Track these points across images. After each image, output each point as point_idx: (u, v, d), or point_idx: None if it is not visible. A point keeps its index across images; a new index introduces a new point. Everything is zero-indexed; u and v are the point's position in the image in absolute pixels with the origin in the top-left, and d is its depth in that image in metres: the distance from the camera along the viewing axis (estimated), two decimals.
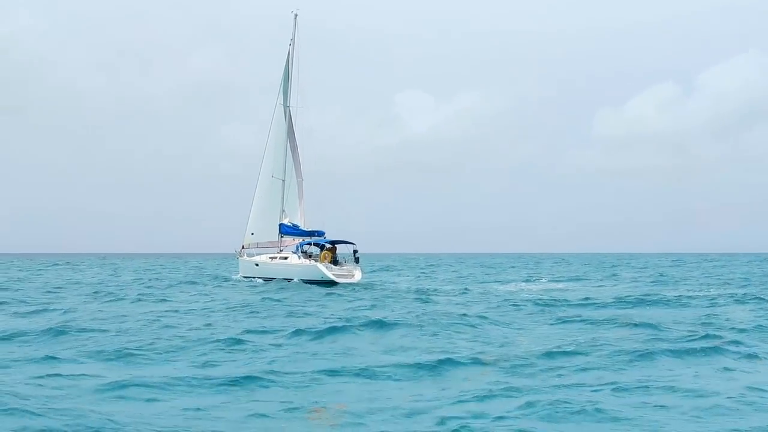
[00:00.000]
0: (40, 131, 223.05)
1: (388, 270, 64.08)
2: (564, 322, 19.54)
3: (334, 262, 39.55)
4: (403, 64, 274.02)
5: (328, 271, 37.92)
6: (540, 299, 27.35)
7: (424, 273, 58.71)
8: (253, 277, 40.95)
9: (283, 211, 42.87)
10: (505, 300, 27.50)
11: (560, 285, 39.97)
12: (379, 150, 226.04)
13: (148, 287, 35.99)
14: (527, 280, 45.48)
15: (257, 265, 41.71)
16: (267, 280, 39.61)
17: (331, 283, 36.93)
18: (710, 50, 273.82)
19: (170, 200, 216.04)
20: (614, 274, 54.44)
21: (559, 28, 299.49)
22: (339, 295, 30.12)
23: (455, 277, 49.89)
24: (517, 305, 24.56)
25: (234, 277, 43.94)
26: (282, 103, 43.13)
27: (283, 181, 42.87)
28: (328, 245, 40.19)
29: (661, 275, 50.85)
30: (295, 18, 43.01)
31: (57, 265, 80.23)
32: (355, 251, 40.13)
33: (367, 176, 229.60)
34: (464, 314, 20.59)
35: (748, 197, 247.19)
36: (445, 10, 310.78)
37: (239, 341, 15.20)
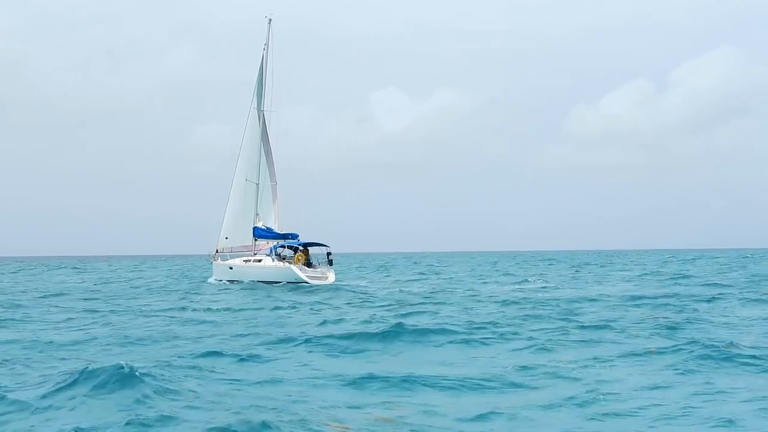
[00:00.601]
0: (15, 130, 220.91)
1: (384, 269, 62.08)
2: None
3: (308, 264, 39.93)
4: (379, 64, 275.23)
5: (302, 273, 38.25)
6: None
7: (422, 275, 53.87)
8: (228, 281, 41.09)
9: (257, 214, 43.09)
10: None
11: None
12: (356, 149, 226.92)
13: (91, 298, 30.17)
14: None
15: (231, 268, 41.87)
16: (241, 283, 39.77)
17: (304, 284, 37.30)
18: (683, 47, 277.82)
19: (144, 200, 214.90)
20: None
21: (533, 27, 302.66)
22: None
23: (446, 280, 48.26)
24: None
25: (209, 280, 44.01)
26: (256, 107, 43.40)
27: (257, 184, 43.11)
28: (301, 248, 40.56)
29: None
30: (269, 23, 43.41)
31: (21, 270, 78.59)
32: (328, 253, 40.52)
33: (344, 175, 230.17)
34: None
35: (721, 193, 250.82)
36: (420, 10, 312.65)
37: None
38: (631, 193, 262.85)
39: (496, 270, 61.21)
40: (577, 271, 56.11)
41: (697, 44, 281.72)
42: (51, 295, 32.57)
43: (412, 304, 24.85)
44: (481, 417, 8.86)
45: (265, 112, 43.31)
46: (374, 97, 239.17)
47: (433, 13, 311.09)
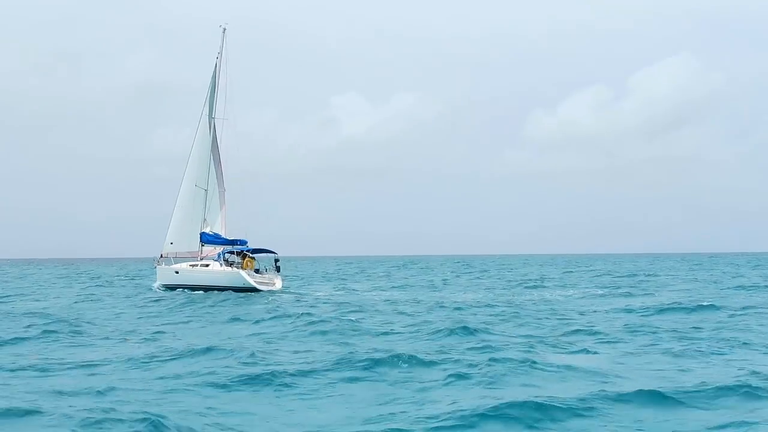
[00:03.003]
0: None
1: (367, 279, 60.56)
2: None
3: (256, 270, 40.52)
4: (340, 68, 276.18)
5: (250, 279, 38.81)
6: None
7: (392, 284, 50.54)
8: (172, 286, 41.07)
9: (205, 220, 43.44)
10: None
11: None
12: (316, 152, 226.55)
13: None
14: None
15: (177, 272, 41.91)
16: (191, 288, 39.87)
17: (252, 291, 37.89)
18: (642, 54, 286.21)
19: (102, 203, 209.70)
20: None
21: (491, 33, 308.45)
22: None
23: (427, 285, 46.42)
24: None
25: (153, 286, 43.89)
26: (207, 114, 43.91)
27: (206, 190, 43.51)
28: (250, 254, 41.11)
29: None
30: (224, 32, 44.05)
31: None
32: (276, 260, 41.26)
33: (304, 179, 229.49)
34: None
35: (677, 198, 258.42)
36: (380, 16, 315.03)
37: None
38: (589, 198, 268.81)
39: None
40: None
41: (656, 51, 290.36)
42: None
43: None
44: None
45: (216, 120, 43.88)
46: (335, 101, 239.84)
47: (393, 20, 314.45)
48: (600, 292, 37.59)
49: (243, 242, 41.99)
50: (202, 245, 43.19)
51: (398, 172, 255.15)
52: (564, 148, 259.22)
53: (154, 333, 19.76)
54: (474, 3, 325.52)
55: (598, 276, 58.18)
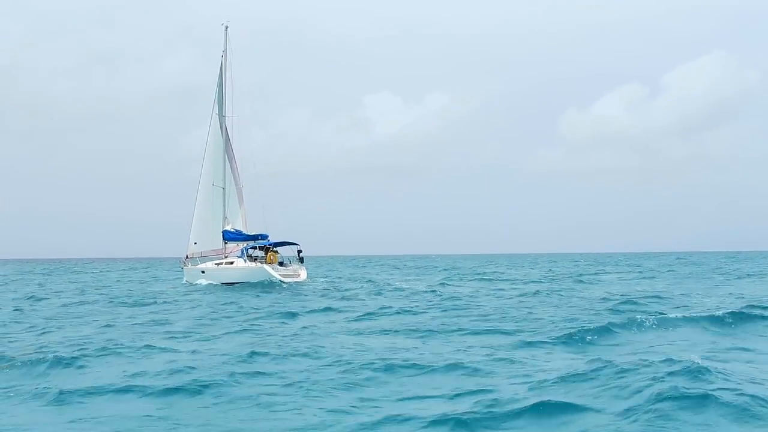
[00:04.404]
0: (10, 134, 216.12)
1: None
2: None
3: (280, 263, 41.03)
4: (372, 67, 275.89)
5: (275, 272, 39.32)
6: None
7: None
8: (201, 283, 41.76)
9: (225, 217, 43.98)
10: None
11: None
12: (349, 152, 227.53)
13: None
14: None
15: (203, 272, 42.56)
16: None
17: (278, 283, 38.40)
18: (676, 51, 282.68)
19: (139, 203, 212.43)
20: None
21: (526, 30, 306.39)
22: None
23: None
24: None
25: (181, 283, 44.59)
26: (218, 113, 44.31)
27: (224, 188, 44.01)
28: (272, 248, 41.60)
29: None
30: (226, 30, 44.38)
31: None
32: (299, 251, 41.71)
33: (336, 177, 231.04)
34: None
35: (712, 197, 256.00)
36: (413, 13, 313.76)
37: None
38: (623, 196, 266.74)
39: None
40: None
41: (690, 48, 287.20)
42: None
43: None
44: None
45: (227, 118, 44.26)
46: (368, 101, 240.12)
47: (425, 18, 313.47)
48: None
49: (264, 236, 42.49)
50: (225, 243, 43.78)
51: (431, 170, 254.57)
52: (598, 146, 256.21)
53: None
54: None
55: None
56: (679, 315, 17.48)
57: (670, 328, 15.73)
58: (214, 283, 40.77)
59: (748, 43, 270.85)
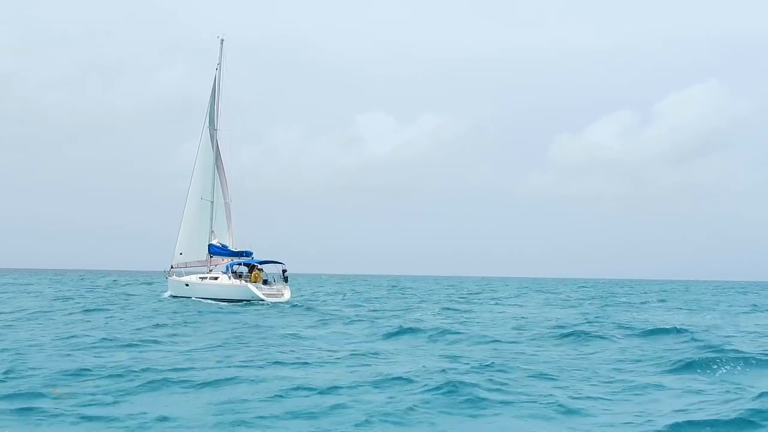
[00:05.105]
0: (2, 144, 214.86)
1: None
2: None
3: (264, 281, 40.91)
4: (366, 86, 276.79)
5: (258, 291, 39.21)
6: None
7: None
8: (183, 298, 41.71)
9: (212, 231, 43.87)
10: None
11: None
12: (341, 170, 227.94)
13: None
14: None
15: (187, 285, 42.49)
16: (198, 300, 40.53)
17: (260, 302, 38.31)
18: (668, 80, 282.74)
19: (131, 216, 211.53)
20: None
21: (520, 55, 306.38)
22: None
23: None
24: None
25: (164, 295, 44.59)
26: (208, 126, 44.14)
27: (212, 202, 43.89)
28: (258, 266, 41.47)
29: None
30: (222, 43, 44.22)
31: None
32: (284, 270, 41.57)
33: (327, 195, 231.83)
34: None
35: (701, 226, 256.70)
36: (409, 37, 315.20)
37: None
38: (613, 222, 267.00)
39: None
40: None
41: (683, 77, 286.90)
42: None
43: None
44: None
45: (218, 131, 44.07)
46: (361, 120, 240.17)
47: (420, 41, 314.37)
48: None
49: (249, 253, 42.42)
50: (211, 256, 43.69)
51: (422, 191, 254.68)
52: (589, 171, 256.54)
53: None
54: (500, 24, 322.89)
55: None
56: None
57: None
58: (197, 297, 40.75)
59: (740, 73, 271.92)
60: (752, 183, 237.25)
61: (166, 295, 44.00)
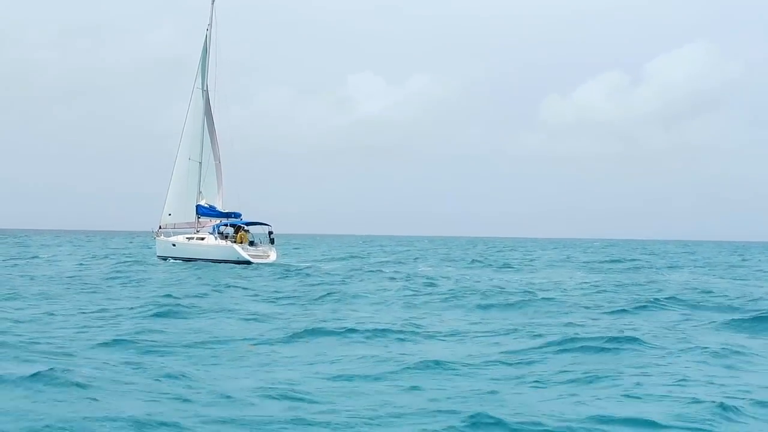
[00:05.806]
0: None
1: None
2: None
3: (250, 243, 40.98)
4: (356, 46, 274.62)
5: (244, 252, 39.31)
6: None
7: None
8: (170, 257, 41.85)
9: (200, 192, 43.81)
10: None
11: None
12: (331, 130, 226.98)
13: None
14: None
15: (174, 245, 42.64)
16: (185, 260, 40.68)
17: (246, 263, 38.38)
18: (658, 40, 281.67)
19: (120, 176, 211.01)
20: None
21: (510, 14, 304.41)
22: None
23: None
24: None
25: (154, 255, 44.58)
26: (199, 86, 43.93)
27: (200, 163, 43.78)
28: (244, 227, 41.53)
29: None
30: (213, 3, 43.89)
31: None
32: (270, 232, 41.60)
33: (316, 156, 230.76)
34: None
35: (692, 186, 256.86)
36: None
37: None
38: (603, 183, 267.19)
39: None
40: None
41: (673, 38, 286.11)
42: None
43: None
44: None
45: (208, 92, 43.90)
46: (351, 80, 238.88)
47: None
48: None
49: (237, 215, 42.45)
50: (199, 217, 43.70)
51: (412, 151, 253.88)
52: (579, 132, 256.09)
53: None
54: None
55: None
56: None
57: None
58: (185, 257, 40.87)
59: (731, 33, 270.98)
60: (743, 143, 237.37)
61: (155, 256, 43.98)
